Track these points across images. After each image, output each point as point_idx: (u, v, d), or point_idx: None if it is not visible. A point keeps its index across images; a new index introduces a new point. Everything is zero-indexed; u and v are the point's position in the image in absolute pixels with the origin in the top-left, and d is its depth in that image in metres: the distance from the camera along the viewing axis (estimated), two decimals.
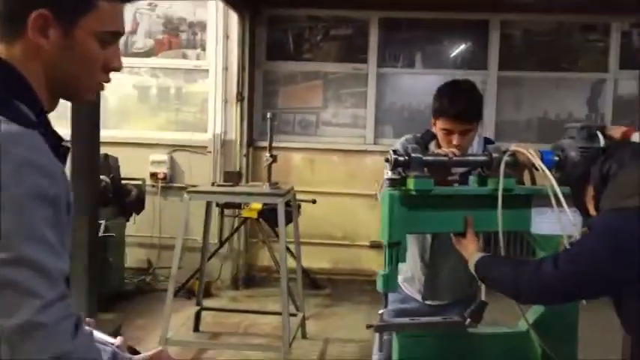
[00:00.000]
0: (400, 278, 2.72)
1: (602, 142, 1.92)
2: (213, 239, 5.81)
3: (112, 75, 1.19)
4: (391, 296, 2.74)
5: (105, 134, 4.44)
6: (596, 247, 1.63)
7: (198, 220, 5.16)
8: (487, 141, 2.62)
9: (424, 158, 1.90)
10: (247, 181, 5.82)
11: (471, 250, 1.95)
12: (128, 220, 5.75)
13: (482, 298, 2.04)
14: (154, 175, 6.30)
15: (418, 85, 6.81)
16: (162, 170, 6.32)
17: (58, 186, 1.04)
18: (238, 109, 6.40)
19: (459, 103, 2.43)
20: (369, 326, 2.00)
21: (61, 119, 5.06)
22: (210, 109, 6.47)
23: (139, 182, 5.87)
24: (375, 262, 6.11)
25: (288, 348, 4.07)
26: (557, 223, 1.83)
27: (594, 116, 6.67)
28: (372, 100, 6.65)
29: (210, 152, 6.37)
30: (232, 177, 4.77)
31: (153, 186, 6.27)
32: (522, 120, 6.70)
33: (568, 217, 1.80)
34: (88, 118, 3.06)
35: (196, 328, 4.91)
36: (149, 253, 6.33)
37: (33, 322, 0.97)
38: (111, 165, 5.45)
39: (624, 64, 6.43)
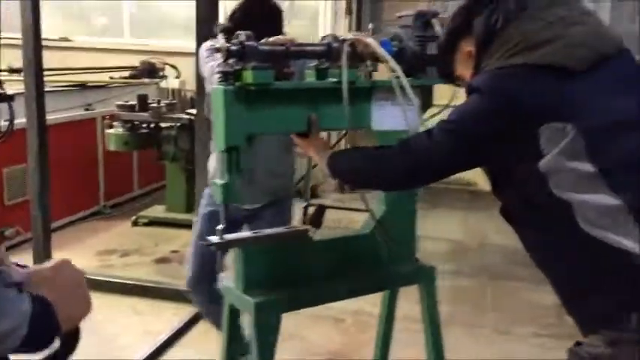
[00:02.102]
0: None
1: (438, 29, 1.74)
2: None
3: None
4: (204, 199, 2.64)
5: None
6: (481, 107, 1.38)
7: None
8: None
9: (260, 48, 1.60)
10: None
11: (321, 149, 1.72)
12: None
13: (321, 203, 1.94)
14: None
15: None
16: None
17: None
18: (347, 22, 6.69)
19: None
20: (209, 245, 1.72)
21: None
22: (320, 23, 6.82)
23: None
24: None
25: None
26: (400, 117, 1.67)
27: None
28: None
29: None
30: None
31: None
32: None
33: (413, 110, 1.63)
34: None
35: (303, 221, 5.47)
36: None
37: None
38: None
39: None
